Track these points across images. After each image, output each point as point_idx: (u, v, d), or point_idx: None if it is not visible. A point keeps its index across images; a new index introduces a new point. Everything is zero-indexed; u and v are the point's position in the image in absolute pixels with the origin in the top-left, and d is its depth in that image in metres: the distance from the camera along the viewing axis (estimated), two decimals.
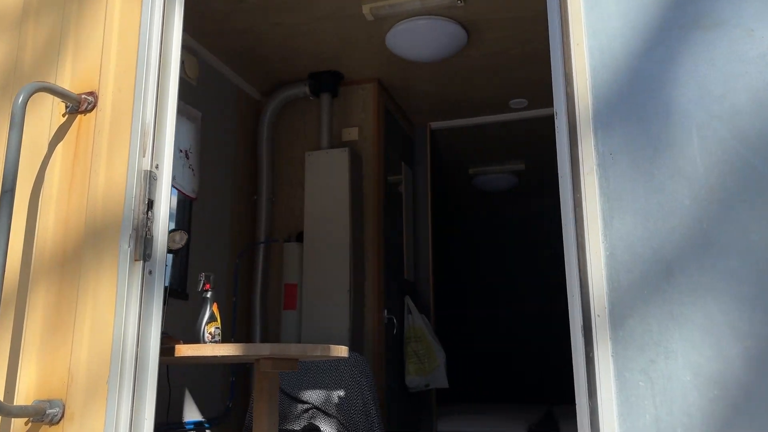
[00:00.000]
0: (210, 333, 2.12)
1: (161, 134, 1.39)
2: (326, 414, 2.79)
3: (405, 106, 4.05)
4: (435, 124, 4.31)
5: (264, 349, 1.92)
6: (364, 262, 3.45)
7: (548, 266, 6.11)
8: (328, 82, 3.58)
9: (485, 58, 3.40)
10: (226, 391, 3.27)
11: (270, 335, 3.50)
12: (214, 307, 2.12)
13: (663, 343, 0.88)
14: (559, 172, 1.12)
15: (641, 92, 0.96)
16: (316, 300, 3.28)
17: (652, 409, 0.87)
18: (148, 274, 1.32)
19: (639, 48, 0.97)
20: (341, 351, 2.17)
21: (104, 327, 1.28)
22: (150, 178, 1.35)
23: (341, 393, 2.81)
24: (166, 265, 1.39)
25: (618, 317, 0.92)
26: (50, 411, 1.24)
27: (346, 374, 2.81)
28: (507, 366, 6.03)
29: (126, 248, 1.31)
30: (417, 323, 3.66)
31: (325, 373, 2.84)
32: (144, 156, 1.35)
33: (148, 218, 1.33)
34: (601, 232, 0.96)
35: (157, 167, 1.37)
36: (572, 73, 1.03)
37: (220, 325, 2.14)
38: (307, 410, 2.82)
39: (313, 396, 2.83)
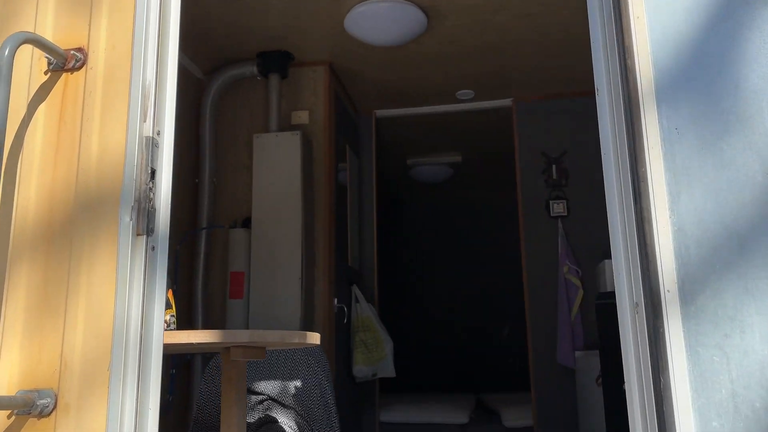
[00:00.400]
0: (165, 321, 1.98)
1: (162, 97, 1.27)
2: (283, 405, 2.69)
3: (352, 91, 3.98)
4: (380, 112, 4.27)
5: (242, 336, 1.82)
6: (314, 249, 3.36)
7: (481, 259, 6.23)
8: (277, 62, 3.45)
9: (440, 47, 3.40)
10: (166, 385, 3.09)
11: (213, 325, 3.34)
12: (169, 294, 1.98)
13: (738, 317, 0.89)
14: (602, 149, 1.11)
15: (707, 68, 0.97)
16: (265, 288, 3.16)
17: (728, 384, 0.88)
18: (150, 250, 1.20)
19: (703, 24, 0.97)
20: (315, 338, 2.09)
21: (103, 308, 1.15)
22: (152, 146, 1.22)
23: (298, 384, 2.72)
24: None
25: (689, 293, 0.92)
26: (40, 402, 1.10)
27: (302, 364, 2.72)
28: (438, 355, 6.11)
29: (127, 221, 1.18)
30: (365, 312, 3.62)
31: (280, 364, 2.74)
32: (145, 121, 1.22)
33: (150, 189, 1.20)
34: (669, 207, 0.96)
35: (158, 134, 1.25)
36: (632, 46, 1.02)
37: (175, 313, 2.01)
38: (261, 401, 2.71)
39: (268, 387, 2.72)
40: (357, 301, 3.66)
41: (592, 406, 3.25)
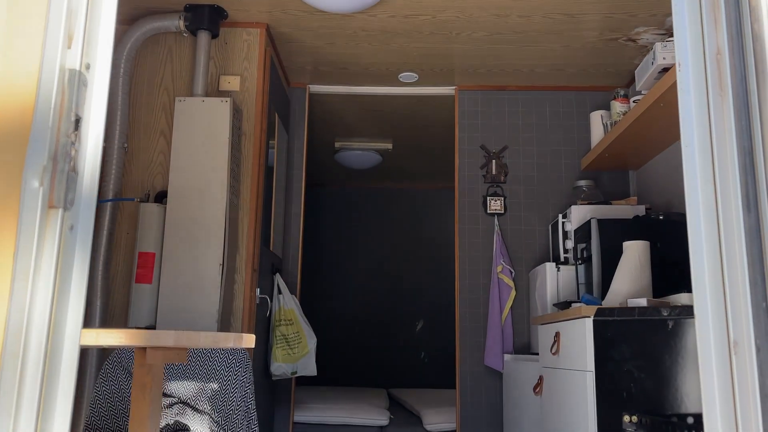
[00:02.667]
0: None
1: (96, 16, 0.91)
2: (196, 410, 2.34)
3: (287, 61, 3.62)
4: (314, 88, 3.94)
5: (167, 339, 1.47)
6: (238, 232, 3.00)
7: (406, 252, 6.04)
8: (208, 18, 3.04)
9: (391, 21, 3.12)
10: None
11: (114, 313, 2.91)
12: None
13: None
14: (684, 140, 0.89)
15: None
16: (180, 274, 2.77)
17: None
18: (68, 230, 0.85)
19: None
20: (251, 341, 1.77)
21: None
22: (78, 83, 0.87)
23: (215, 386, 2.38)
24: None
25: None
26: None
27: (221, 365, 2.38)
28: (349, 347, 5.87)
29: (35, 187, 0.82)
30: (288, 305, 3.30)
31: (194, 363, 2.38)
32: (69, 47, 0.87)
33: (72, 143, 0.85)
34: None
35: (87, 68, 0.90)
36: (761, 8, 0.80)
37: None
38: (171, 405, 2.34)
39: (180, 389, 2.36)
40: (280, 291, 3.34)
41: (524, 413, 3.12)
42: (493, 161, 3.81)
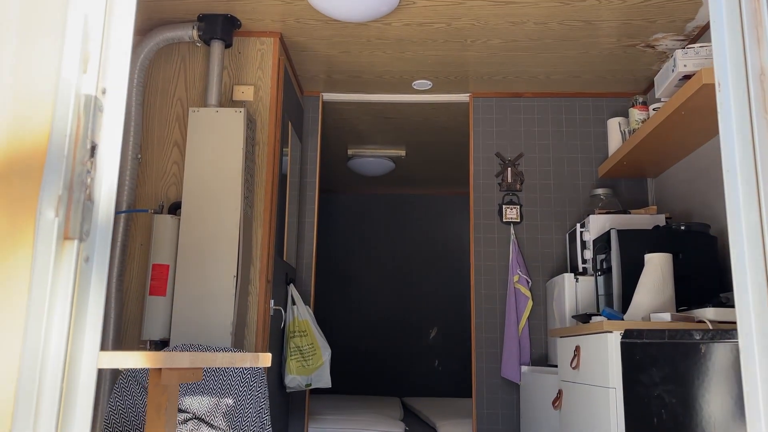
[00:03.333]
0: None
1: (111, 40, 0.88)
2: (211, 426, 2.31)
3: (300, 69, 3.60)
4: (327, 96, 3.91)
5: (182, 361, 1.44)
6: (252, 243, 2.98)
7: (420, 261, 6.00)
8: (221, 27, 3.02)
9: (406, 29, 3.09)
10: None
11: (128, 325, 2.89)
12: None
13: None
14: (725, 164, 0.84)
15: None
16: (194, 286, 2.75)
17: None
18: (84, 262, 0.82)
19: None
20: (266, 360, 1.74)
21: (6, 340, 0.76)
22: (94, 109, 0.84)
23: (229, 401, 2.35)
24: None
25: None
26: None
27: (237, 378, 2.35)
28: (364, 356, 5.83)
29: (51, 218, 0.79)
30: (303, 316, 3.27)
31: (210, 377, 2.36)
32: (85, 72, 0.84)
33: (88, 172, 0.82)
34: None
35: (104, 93, 0.87)
36: None
37: None
38: (186, 421, 2.32)
39: (194, 404, 2.33)
40: (294, 303, 3.30)
41: (543, 427, 3.07)
42: (509, 169, 3.76)
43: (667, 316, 2.18)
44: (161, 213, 2.91)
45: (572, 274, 3.13)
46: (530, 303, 3.53)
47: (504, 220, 3.68)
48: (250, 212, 2.96)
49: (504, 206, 3.71)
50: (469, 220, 3.74)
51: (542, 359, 3.50)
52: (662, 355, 1.27)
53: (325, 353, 3.24)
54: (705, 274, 2.63)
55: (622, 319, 2.33)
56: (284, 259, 3.39)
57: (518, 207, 3.71)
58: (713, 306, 2.22)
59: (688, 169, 3.24)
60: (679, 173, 3.36)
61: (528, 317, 3.53)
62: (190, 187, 2.84)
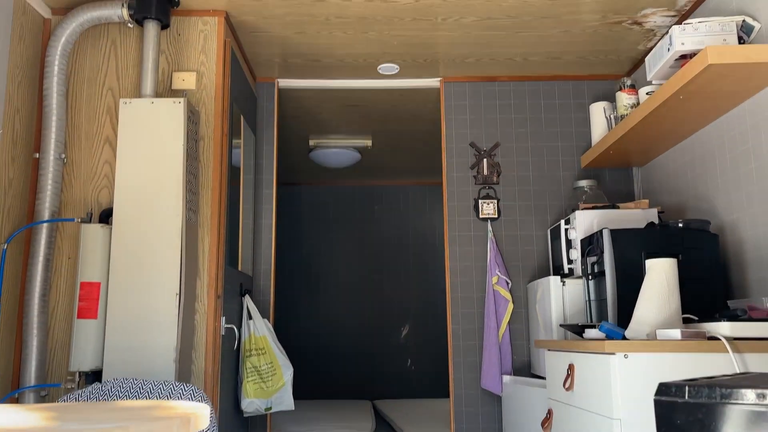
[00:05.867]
0: None
1: None
2: None
3: (251, 53, 3.21)
4: (284, 82, 3.53)
5: None
6: (198, 252, 2.61)
7: (391, 261, 5.69)
8: (156, 5, 2.62)
9: (369, 6, 2.72)
10: None
11: (54, 353, 2.50)
12: None
13: None
14: None
15: None
16: (130, 306, 2.37)
17: None
18: None
19: None
20: (201, 422, 1.39)
21: None
22: None
23: None
24: None
25: None
26: None
27: None
28: (333, 360, 5.50)
29: None
30: (260, 331, 2.91)
31: None
32: None
33: None
34: None
35: None
36: None
37: None
38: None
39: None
40: (250, 317, 2.95)
41: None
42: (485, 160, 3.45)
43: (676, 334, 1.90)
44: (90, 222, 2.52)
45: (558, 277, 2.84)
46: (510, 306, 3.24)
47: (481, 216, 3.37)
48: (194, 218, 2.58)
49: (480, 201, 3.40)
50: (443, 216, 3.42)
51: (525, 367, 3.22)
52: (715, 421, 0.96)
53: (287, 373, 2.90)
54: (709, 277, 2.36)
55: (624, 337, 2.04)
56: (239, 269, 3.03)
57: (495, 201, 3.40)
58: (726, 319, 1.94)
59: (679, 157, 2.97)
60: (668, 162, 3.08)
61: (509, 322, 3.24)
62: (123, 190, 2.45)
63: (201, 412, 1.32)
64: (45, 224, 2.50)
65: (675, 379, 1.84)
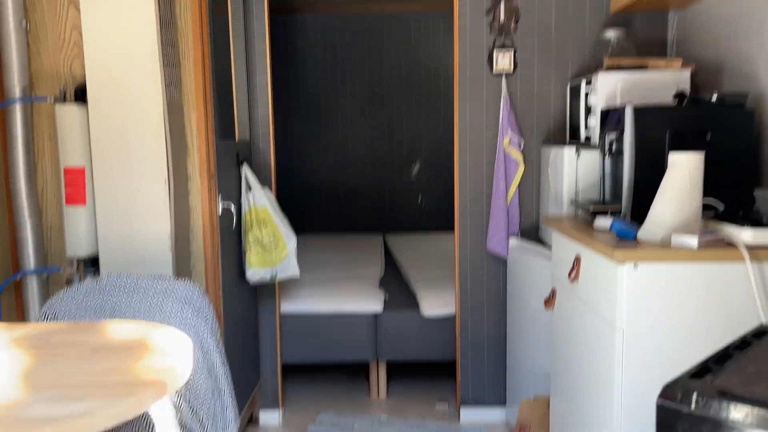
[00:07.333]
0: None
1: None
2: None
3: None
4: None
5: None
6: (184, 130, 2.43)
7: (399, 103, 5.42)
8: None
9: None
10: None
11: (50, 237, 2.46)
12: None
13: None
14: None
15: None
16: (118, 192, 2.27)
17: None
18: None
19: None
20: (169, 387, 1.34)
21: None
22: None
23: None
24: None
25: None
26: None
27: (175, 316, 1.98)
28: (344, 196, 5.52)
29: None
30: (260, 202, 2.82)
31: (140, 318, 1.99)
32: None
33: None
34: None
35: None
36: None
37: None
38: None
39: None
40: (249, 188, 2.84)
41: (530, 322, 2.82)
42: (502, 4, 3.07)
43: (692, 242, 1.77)
44: (65, 101, 2.32)
45: (573, 149, 2.65)
46: (521, 168, 3.09)
47: (495, 71, 3.08)
48: (177, 94, 2.36)
49: (495, 51, 3.08)
50: (454, 72, 3.14)
51: (533, 230, 3.15)
52: None
53: (290, 243, 2.87)
54: (738, 161, 2.17)
55: (635, 237, 1.92)
56: (236, 138, 2.86)
57: (512, 52, 3.08)
58: (750, 224, 1.80)
59: (726, 3, 2.58)
60: (712, 8, 2.70)
61: (518, 184, 3.11)
62: (94, 66, 2.23)
63: (178, 370, 1.27)
64: (17, 104, 2.31)
65: (686, 292, 1.75)
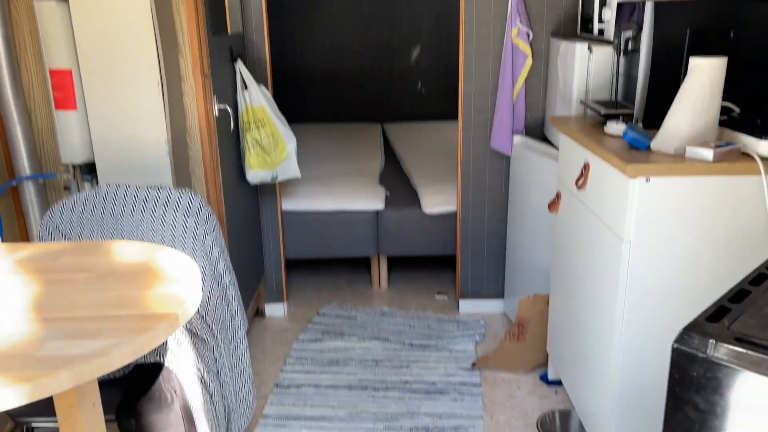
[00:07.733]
0: None
1: None
2: None
3: None
4: None
5: (62, 383, 1.04)
6: (175, 29, 2.28)
7: None
8: None
9: None
10: None
11: (42, 142, 2.38)
12: None
13: None
14: None
15: None
16: (109, 96, 2.17)
17: None
18: None
19: None
20: (167, 328, 1.33)
21: None
22: None
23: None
24: None
25: None
26: None
27: (178, 228, 1.96)
28: (342, 83, 5.34)
29: None
30: (257, 101, 2.72)
31: (144, 231, 1.97)
32: None
33: None
34: None
35: None
36: None
37: None
38: None
39: None
40: (245, 86, 2.72)
41: (531, 222, 2.82)
42: None
43: (708, 154, 1.72)
44: None
45: (585, 45, 2.51)
46: (529, 61, 2.96)
47: None
48: None
49: None
50: None
51: (538, 126, 3.07)
52: (735, 387, 0.89)
53: (290, 144, 2.80)
54: (762, 60, 2.06)
55: (648, 146, 1.86)
56: (228, 32, 2.70)
57: None
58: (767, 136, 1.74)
59: None
60: None
61: (525, 78, 2.99)
62: None
63: (189, 302, 1.26)
64: None
65: (700, 205, 1.73)
